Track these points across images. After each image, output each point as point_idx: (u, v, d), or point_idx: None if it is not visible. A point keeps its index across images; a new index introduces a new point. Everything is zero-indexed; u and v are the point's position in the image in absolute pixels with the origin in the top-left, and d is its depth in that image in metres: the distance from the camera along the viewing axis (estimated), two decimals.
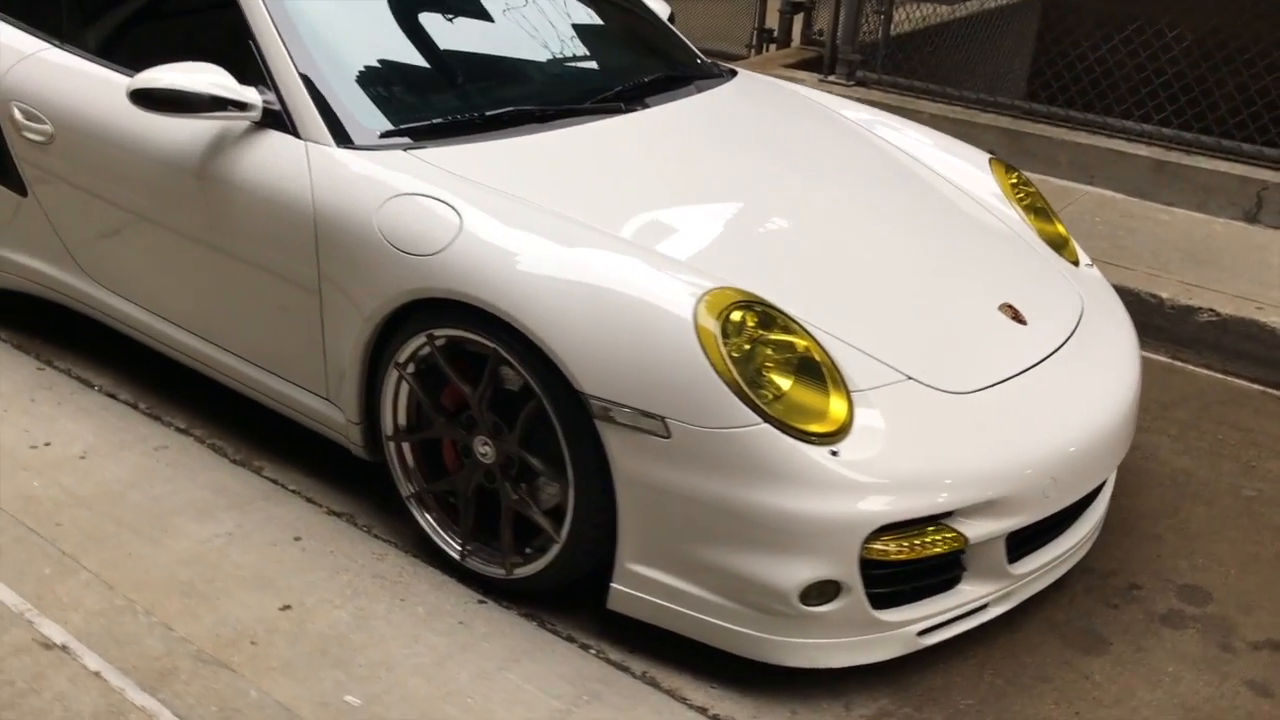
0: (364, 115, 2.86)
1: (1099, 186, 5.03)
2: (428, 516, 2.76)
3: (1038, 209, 3.30)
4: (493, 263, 2.46)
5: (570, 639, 2.57)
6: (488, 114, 2.95)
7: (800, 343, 2.37)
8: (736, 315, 2.34)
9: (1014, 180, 3.34)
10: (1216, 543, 3.04)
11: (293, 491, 3.03)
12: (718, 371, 2.26)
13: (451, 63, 3.16)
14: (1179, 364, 4.04)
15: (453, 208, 2.57)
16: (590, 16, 3.53)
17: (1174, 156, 4.92)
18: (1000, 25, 6.73)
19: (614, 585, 2.47)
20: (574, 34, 3.43)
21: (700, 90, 3.39)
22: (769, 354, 2.34)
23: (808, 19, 6.51)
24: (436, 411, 2.66)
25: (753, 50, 6.74)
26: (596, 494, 2.42)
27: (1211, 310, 4.04)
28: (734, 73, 3.64)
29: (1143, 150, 4.97)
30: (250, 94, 2.84)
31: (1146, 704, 2.49)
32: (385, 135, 2.83)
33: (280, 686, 2.32)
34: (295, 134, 2.83)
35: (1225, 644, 2.68)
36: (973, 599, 2.49)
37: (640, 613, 2.47)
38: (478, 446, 2.62)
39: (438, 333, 2.57)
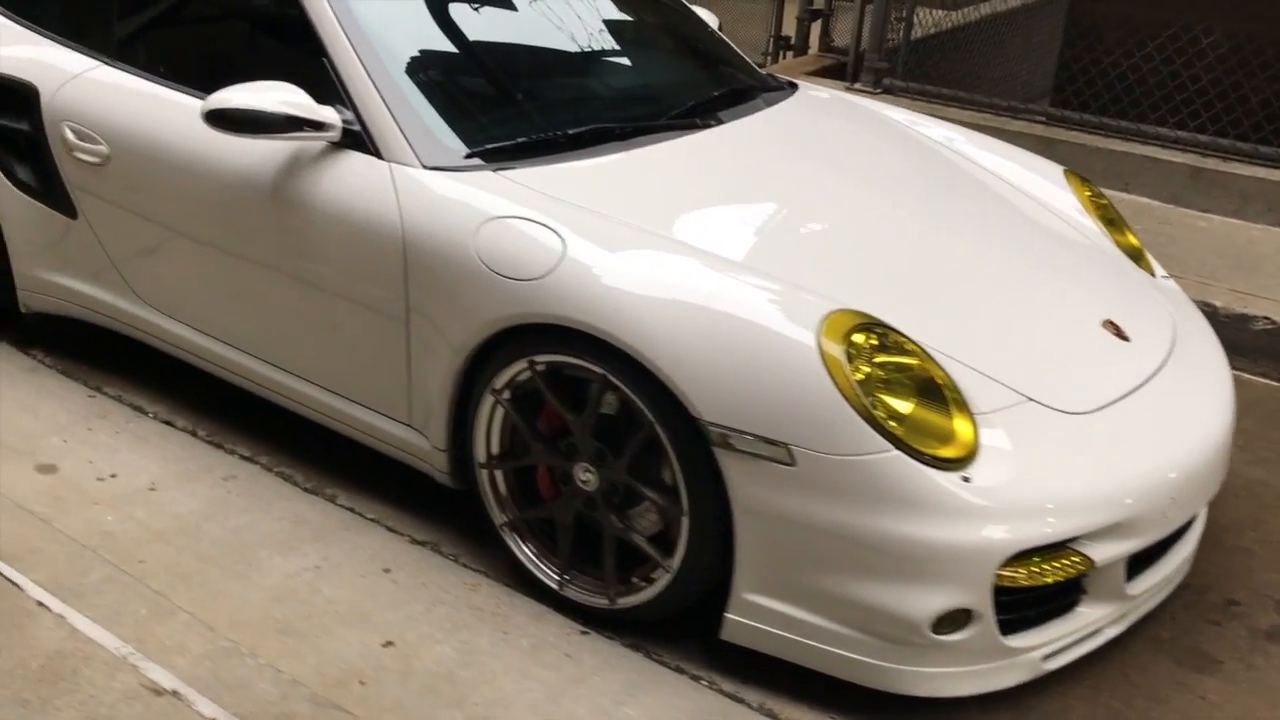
0: (445, 135, 2.79)
1: (1134, 194, 5.02)
2: (523, 545, 2.69)
3: (1113, 221, 3.28)
4: (601, 287, 2.39)
5: (680, 670, 2.51)
6: (569, 132, 2.89)
7: (920, 365, 2.33)
8: (858, 338, 2.29)
9: (1089, 193, 3.32)
10: None
11: (371, 520, 2.95)
12: (846, 397, 2.21)
13: (525, 80, 3.09)
14: (1236, 373, 4.01)
15: (554, 231, 2.51)
16: (655, 31, 3.48)
17: (1210, 163, 4.92)
18: (1018, 28, 6.75)
19: (729, 615, 2.41)
20: (641, 49, 3.39)
21: (768, 104, 3.34)
22: (890, 377, 2.29)
23: (825, 26, 6.48)
24: (535, 438, 2.60)
25: (769, 58, 6.70)
26: (712, 522, 2.37)
27: (1268, 318, 4.03)
28: (794, 85, 3.60)
29: (1178, 157, 4.97)
30: (328, 113, 2.76)
31: None
32: (469, 156, 2.76)
33: None
34: (377, 155, 2.76)
35: None
36: (1092, 621, 2.45)
37: (757, 643, 2.41)
38: (578, 473, 2.56)
39: (539, 358, 2.51)
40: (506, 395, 2.60)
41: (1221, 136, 4.92)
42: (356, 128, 2.78)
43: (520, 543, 2.70)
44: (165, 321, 3.30)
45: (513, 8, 3.26)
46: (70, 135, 3.26)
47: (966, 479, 2.22)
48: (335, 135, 2.77)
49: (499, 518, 2.71)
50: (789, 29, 6.64)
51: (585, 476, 2.55)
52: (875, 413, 2.21)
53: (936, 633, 2.25)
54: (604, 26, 3.31)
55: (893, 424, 2.23)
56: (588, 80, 3.19)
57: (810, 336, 2.25)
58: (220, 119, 2.74)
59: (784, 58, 6.66)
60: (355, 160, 2.78)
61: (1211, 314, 4.14)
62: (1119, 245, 3.19)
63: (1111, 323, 2.72)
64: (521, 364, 2.53)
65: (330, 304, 2.85)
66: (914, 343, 2.35)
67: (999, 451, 2.29)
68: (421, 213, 2.65)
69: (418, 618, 2.57)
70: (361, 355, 2.85)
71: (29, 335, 3.72)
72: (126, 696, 2.20)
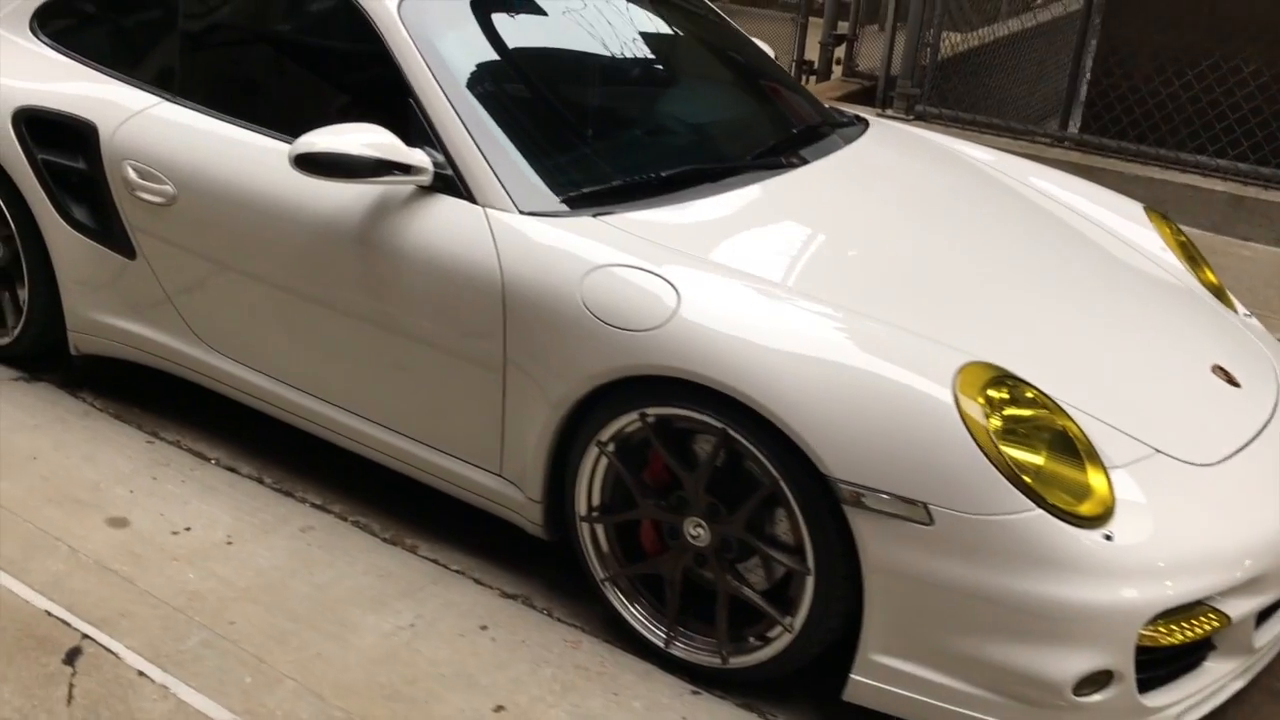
0: (539, 178, 2.72)
1: (1176, 223, 5.01)
2: (625, 601, 2.61)
3: (1194, 258, 3.25)
4: (724, 339, 2.33)
5: None
6: (664, 174, 2.82)
7: (1053, 418, 2.28)
8: (993, 393, 2.24)
9: (1170, 229, 3.29)
10: None
11: (457, 573, 2.86)
12: (988, 456, 2.15)
13: (610, 120, 3.03)
14: None
15: (666, 280, 2.44)
16: (727, 67, 3.42)
17: (1251, 191, 4.93)
18: (1029, 51, 6.76)
19: (855, 677, 2.34)
20: (716, 86, 3.33)
21: (845, 141, 3.28)
22: (1022, 431, 2.24)
23: (849, 50, 6.46)
24: (643, 492, 2.52)
25: None
26: (839, 581, 2.30)
27: None
28: (860, 119, 3.54)
29: (1219, 185, 4.97)
30: (418, 156, 2.69)
31: None
32: (566, 200, 2.69)
33: None
34: (470, 199, 2.68)
35: None
36: (1219, 676, 2.40)
37: (883, 705, 2.34)
38: (688, 528, 2.49)
39: (652, 411, 2.43)
40: (611, 447, 2.53)
41: (1262, 165, 4.92)
42: (447, 171, 2.71)
43: (623, 598, 2.62)
44: (230, 365, 3.20)
45: (587, 47, 3.19)
46: (132, 174, 3.16)
47: (1109, 537, 2.17)
48: (427, 179, 2.69)
49: (599, 572, 2.63)
50: (811, 53, 6.61)
51: (696, 531, 2.48)
52: (1018, 472, 2.16)
53: (1077, 694, 2.19)
54: (679, 64, 3.26)
55: (1027, 479, 2.17)
56: (670, 119, 3.13)
57: (947, 392, 2.20)
58: (309, 163, 2.65)
59: (806, 83, 6.63)
60: (447, 205, 2.70)
61: None
62: (1203, 283, 3.16)
63: (1221, 368, 2.68)
64: (631, 416, 2.46)
65: (418, 352, 2.77)
66: (1044, 395, 2.30)
67: (1135, 506, 2.24)
68: (523, 260, 2.57)
69: (524, 679, 2.49)
70: (451, 404, 2.77)
71: (76, 377, 3.61)
72: None
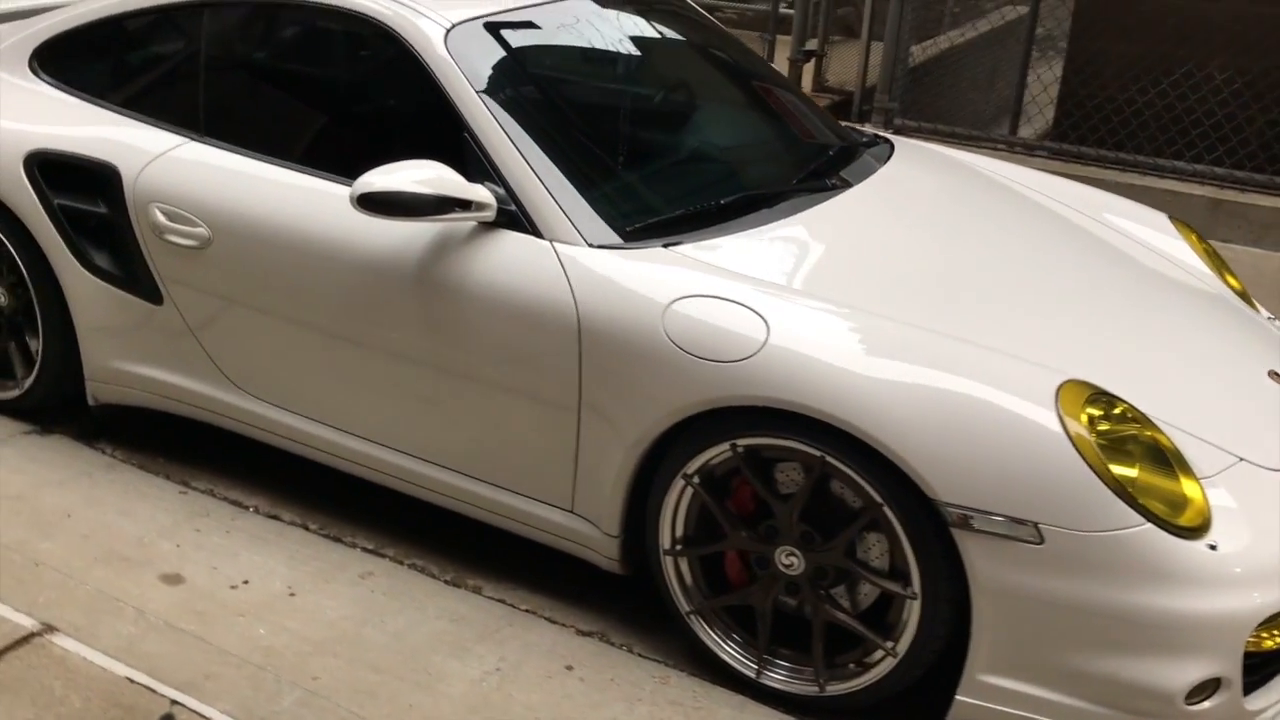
0: (603, 210, 2.69)
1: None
2: (712, 633, 2.59)
3: (1219, 265, 3.33)
4: (820, 367, 2.32)
5: None
6: (722, 202, 2.81)
7: (1146, 432, 2.31)
8: (1094, 410, 2.27)
9: (1195, 237, 3.37)
10: None
11: (527, 612, 2.81)
12: (1097, 473, 2.18)
13: (661, 149, 3.02)
14: None
15: (751, 309, 2.43)
16: (758, 93, 3.42)
17: (1228, 194, 5.07)
18: (979, 58, 6.89)
19: (960, 698, 2.34)
20: (751, 110, 3.33)
21: (879, 161, 3.30)
22: (1118, 446, 2.27)
23: (819, 66, 6.51)
24: (733, 522, 2.51)
25: None
26: (945, 604, 2.31)
27: None
28: (881, 138, 3.57)
29: (1197, 189, 5.11)
30: (481, 192, 2.64)
31: None
32: (632, 232, 2.66)
33: None
34: (535, 234, 2.65)
35: None
36: None
37: None
38: (780, 557, 2.48)
39: (743, 441, 2.42)
40: (697, 479, 2.51)
41: (1238, 169, 5.07)
42: (509, 206, 2.67)
43: (710, 630, 2.60)
44: (267, 409, 3.11)
45: (627, 74, 3.18)
46: (161, 217, 3.06)
47: (1213, 546, 2.21)
48: (491, 215, 2.65)
49: (684, 605, 2.61)
50: (779, 69, 6.66)
51: (789, 560, 2.47)
52: (1125, 487, 2.19)
53: (1188, 703, 2.23)
54: (715, 89, 3.26)
55: (1132, 493, 2.21)
56: (714, 145, 3.13)
57: (1052, 412, 2.22)
58: (371, 203, 2.59)
59: None
60: (511, 241, 2.66)
61: None
62: (1232, 290, 3.24)
63: (1275, 373, 2.75)
64: (722, 448, 2.44)
65: (480, 391, 2.72)
66: (1135, 409, 2.34)
67: (1230, 514, 2.28)
68: (599, 295, 2.54)
69: (621, 719, 2.45)
70: (517, 442, 2.72)
71: (92, 428, 3.48)
72: None
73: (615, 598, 2.84)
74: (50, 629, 2.50)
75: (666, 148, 3.04)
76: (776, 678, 2.54)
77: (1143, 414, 2.34)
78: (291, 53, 3.23)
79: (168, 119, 3.19)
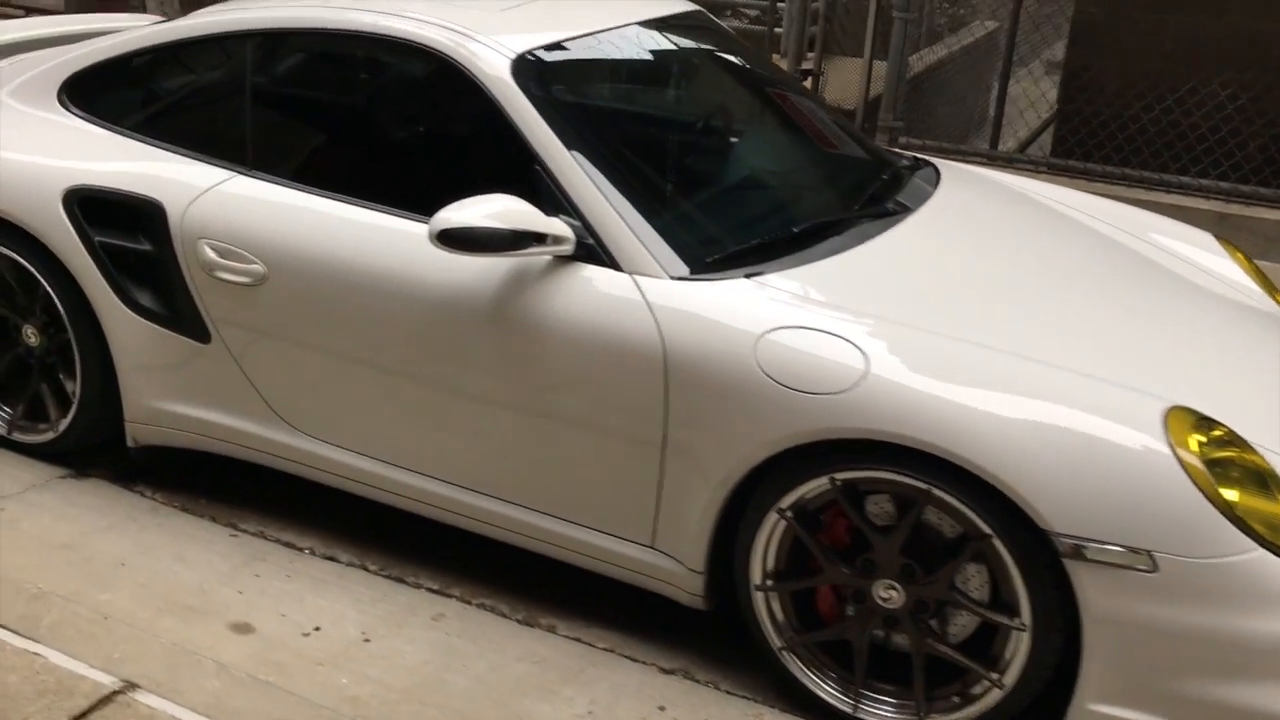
0: (681, 241, 2.66)
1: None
2: (806, 669, 2.56)
3: (1267, 283, 3.36)
4: (921, 398, 2.31)
5: None
6: (795, 230, 2.79)
7: (1246, 456, 2.32)
8: (1200, 436, 2.27)
9: (1241, 255, 3.40)
10: None
11: (606, 650, 2.77)
12: (1211, 500, 2.18)
13: (727, 178, 2.99)
14: None
15: (847, 339, 2.41)
16: (809, 118, 3.41)
17: (1234, 208, 5.15)
18: (959, 70, 6.96)
19: None
20: (804, 136, 3.31)
21: (931, 184, 3.30)
22: (1225, 472, 2.27)
23: (816, 85, 6.54)
24: (831, 557, 2.48)
25: None
26: (1056, 634, 2.30)
27: None
28: (925, 160, 3.57)
29: (1203, 204, 5.19)
30: (558, 226, 2.60)
31: None
32: (711, 263, 2.63)
33: None
34: (615, 267, 2.61)
35: None
36: None
37: None
38: (878, 591, 2.46)
39: (842, 474, 2.40)
40: (791, 514, 2.48)
41: (1243, 183, 5.15)
42: (586, 239, 2.63)
43: (803, 666, 2.56)
44: (325, 448, 3.03)
45: (687, 102, 3.15)
46: (211, 254, 2.98)
47: None
48: (569, 248, 2.61)
49: (776, 641, 2.57)
50: None
51: (888, 594, 2.45)
52: (1238, 513, 2.19)
53: None
54: (772, 116, 3.23)
55: (1244, 519, 2.21)
56: (775, 174, 3.11)
57: (1162, 440, 2.22)
58: (449, 239, 2.54)
59: None
60: (591, 274, 2.62)
61: None
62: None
63: None
64: (820, 481, 2.42)
65: (560, 428, 2.67)
66: (1233, 432, 2.35)
67: None
68: (686, 328, 2.51)
69: None
70: (595, 477, 2.68)
71: (129, 470, 3.37)
72: None
73: (691, 633, 2.80)
74: (132, 686, 2.41)
75: (729, 175, 3.02)
76: (876, 712, 2.51)
77: (1240, 437, 2.34)
78: (345, 84, 3.17)
79: (211, 152, 3.10)
